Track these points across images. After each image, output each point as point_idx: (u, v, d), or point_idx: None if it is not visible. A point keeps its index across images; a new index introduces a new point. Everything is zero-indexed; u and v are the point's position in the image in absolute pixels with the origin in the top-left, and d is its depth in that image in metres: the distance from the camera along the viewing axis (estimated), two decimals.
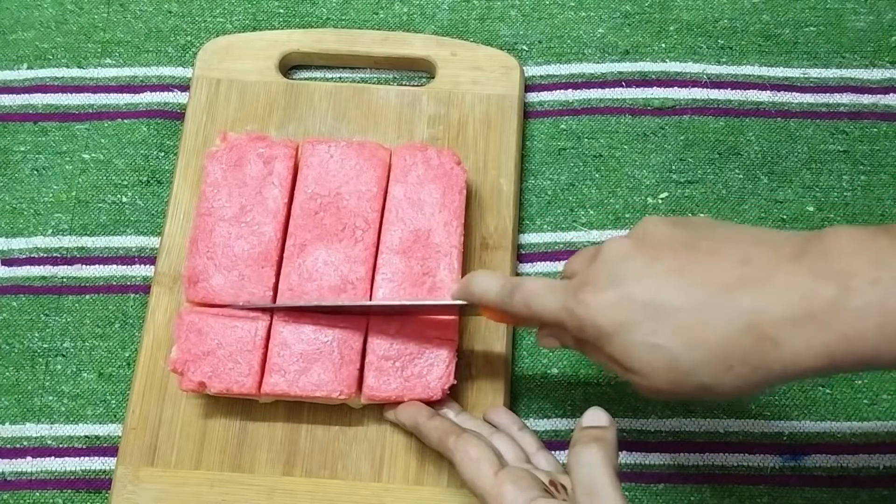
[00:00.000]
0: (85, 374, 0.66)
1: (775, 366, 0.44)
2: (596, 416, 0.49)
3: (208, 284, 0.62)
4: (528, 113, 0.74)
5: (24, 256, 0.69)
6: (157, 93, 0.74)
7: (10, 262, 0.69)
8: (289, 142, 0.66)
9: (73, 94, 0.74)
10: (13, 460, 0.64)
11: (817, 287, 0.43)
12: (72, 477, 0.64)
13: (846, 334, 0.43)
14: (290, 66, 0.75)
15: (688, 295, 0.45)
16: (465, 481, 0.51)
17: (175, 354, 0.61)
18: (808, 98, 0.74)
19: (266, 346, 0.61)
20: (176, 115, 0.73)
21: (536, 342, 0.56)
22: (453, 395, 0.62)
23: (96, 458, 0.64)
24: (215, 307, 0.62)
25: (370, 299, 0.62)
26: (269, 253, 0.63)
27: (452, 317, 0.62)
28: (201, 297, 0.62)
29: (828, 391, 0.66)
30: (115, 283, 0.69)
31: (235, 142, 0.66)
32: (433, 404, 0.61)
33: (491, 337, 0.65)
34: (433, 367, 0.61)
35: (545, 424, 0.65)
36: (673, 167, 0.72)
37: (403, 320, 0.62)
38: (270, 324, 0.62)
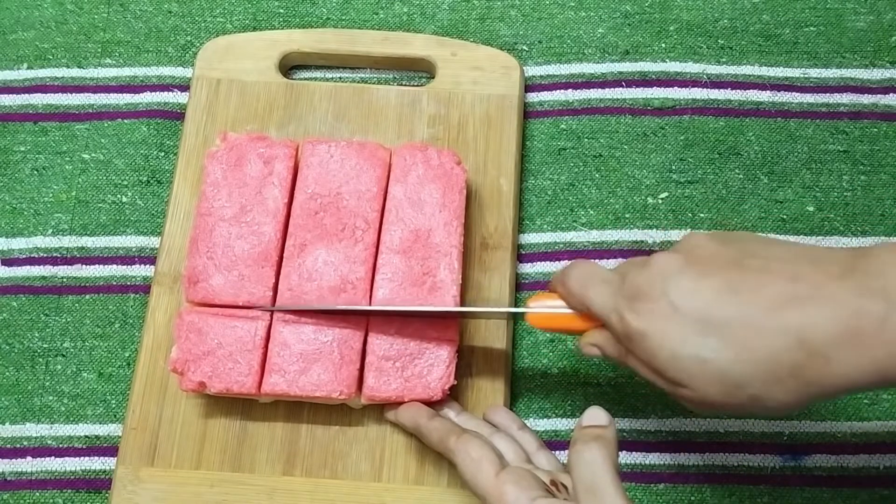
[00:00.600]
0: (85, 374, 0.66)
1: (826, 381, 0.45)
2: (596, 416, 0.49)
3: (208, 284, 0.62)
4: (528, 113, 0.74)
5: (24, 256, 0.69)
6: (157, 93, 0.74)
7: (10, 262, 0.69)
8: (289, 142, 0.66)
9: (73, 94, 0.74)
10: (13, 460, 0.64)
11: (865, 304, 0.45)
12: (72, 477, 0.64)
13: (894, 350, 0.44)
14: (290, 66, 0.75)
15: (737, 311, 0.47)
16: (465, 482, 0.51)
17: (175, 354, 0.61)
18: (808, 98, 0.74)
19: (266, 346, 0.61)
20: (176, 115, 0.73)
21: (579, 349, 0.57)
22: (453, 395, 0.62)
23: (96, 458, 0.64)
24: (215, 307, 0.62)
25: (370, 299, 0.62)
26: (269, 253, 0.63)
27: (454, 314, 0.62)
28: (201, 297, 0.62)
29: None
30: (115, 283, 0.69)
31: (235, 142, 0.66)
32: (434, 405, 0.61)
33: (491, 337, 0.65)
34: (433, 367, 0.61)
35: (545, 424, 0.65)
36: (673, 167, 0.72)
37: (403, 320, 0.61)
38: (270, 324, 0.62)
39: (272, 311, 0.62)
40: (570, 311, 0.56)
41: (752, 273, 0.48)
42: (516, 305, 0.67)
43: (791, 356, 0.45)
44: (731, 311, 0.47)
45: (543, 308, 0.57)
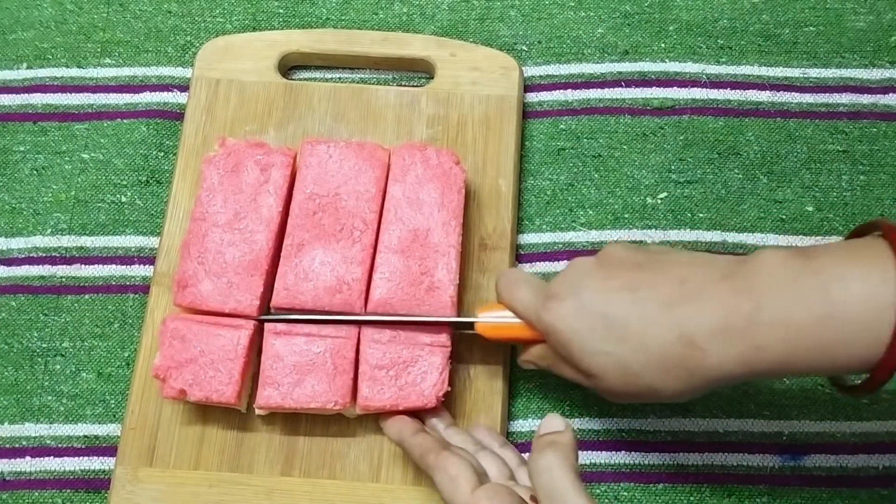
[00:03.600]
0: (84, 374, 0.66)
1: (704, 371, 0.51)
2: (551, 423, 0.50)
3: (196, 290, 0.62)
4: (527, 113, 0.74)
5: (23, 256, 0.69)
6: (157, 93, 0.74)
7: (9, 262, 0.69)
8: (287, 150, 0.66)
9: (73, 94, 0.74)
10: (12, 460, 0.64)
11: (737, 303, 0.50)
12: (71, 477, 0.64)
13: (758, 345, 0.49)
14: (289, 66, 0.75)
15: (634, 308, 0.52)
16: (443, 499, 0.51)
17: (158, 360, 0.61)
18: (808, 98, 0.74)
19: (247, 356, 0.61)
20: (175, 115, 0.73)
21: (517, 362, 0.62)
22: (451, 396, 0.62)
23: (95, 457, 0.64)
24: (201, 314, 0.62)
25: (366, 300, 0.62)
26: (259, 262, 0.63)
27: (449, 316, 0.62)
28: (189, 302, 0.62)
29: (827, 391, 0.66)
30: (114, 283, 0.69)
31: (233, 147, 0.66)
32: (428, 411, 0.61)
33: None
34: (427, 374, 0.61)
35: None
36: (672, 167, 0.72)
37: (396, 328, 0.61)
38: (253, 333, 0.62)
39: (256, 321, 0.62)
40: (514, 319, 0.59)
41: (649, 274, 0.53)
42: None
43: (676, 349, 0.51)
44: (628, 308, 0.52)
45: (491, 318, 0.60)
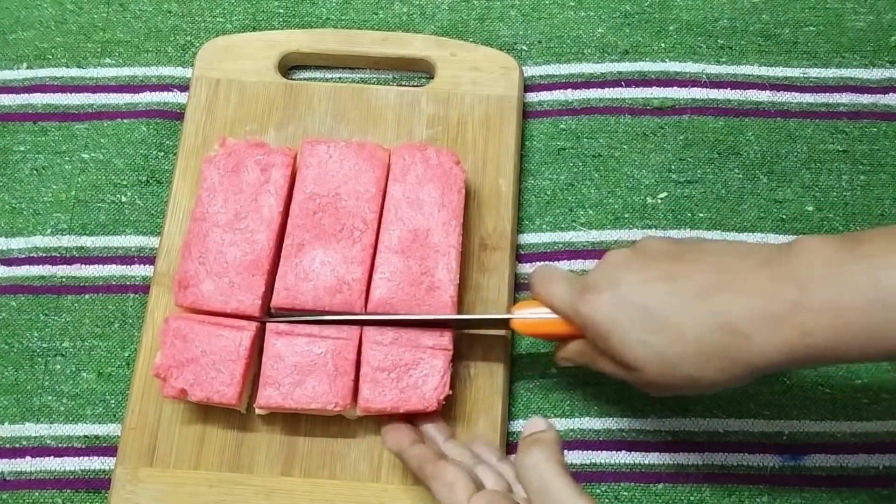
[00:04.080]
0: (84, 374, 0.66)
1: (747, 359, 0.50)
2: (534, 425, 0.51)
3: (198, 290, 0.62)
4: (527, 113, 0.74)
5: (23, 256, 0.69)
6: (157, 93, 0.74)
7: (9, 262, 0.69)
8: (287, 150, 0.66)
9: (73, 94, 0.74)
10: (12, 460, 0.64)
11: (781, 289, 0.50)
12: (71, 477, 0.64)
13: (805, 330, 0.49)
14: (289, 66, 0.75)
15: (671, 298, 0.52)
16: None
17: (159, 360, 0.61)
18: (808, 98, 0.74)
19: (249, 357, 0.61)
20: (175, 115, 0.73)
21: (554, 362, 0.61)
22: (453, 396, 0.62)
23: (95, 457, 0.64)
24: (203, 313, 0.62)
25: (366, 300, 0.62)
26: (261, 261, 0.63)
27: (448, 316, 0.62)
28: (190, 302, 0.62)
29: (827, 391, 0.66)
30: (114, 283, 0.69)
31: (234, 147, 0.66)
32: (426, 416, 0.61)
33: (490, 338, 0.65)
34: (428, 377, 0.61)
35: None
36: (672, 167, 0.72)
37: (398, 329, 0.61)
38: (255, 334, 0.62)
39: (258, 322, 0.62)
40: (551, 315, 0.59)
41: (686, 265, 0.53)
42: (513, 304, 0.67)
43: (717, 337, 0.51)
44: (666, 299, 0.52)
45: (528, 315, 0.60)
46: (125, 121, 0.74)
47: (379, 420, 0.62)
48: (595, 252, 0.69)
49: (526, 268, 0.69)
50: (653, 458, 0.64)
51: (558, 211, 0.71)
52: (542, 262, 0.69)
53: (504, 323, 0.61)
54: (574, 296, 0.56)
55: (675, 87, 0.74)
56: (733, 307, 0.50)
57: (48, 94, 0.74)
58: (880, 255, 0.48)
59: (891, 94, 0.74)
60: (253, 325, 0.61)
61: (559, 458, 0.49)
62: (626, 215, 0.70)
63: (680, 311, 0.52)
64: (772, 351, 0.50)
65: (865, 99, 0.74)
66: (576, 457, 0.64)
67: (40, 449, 0.64)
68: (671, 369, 0.52)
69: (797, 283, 0.49)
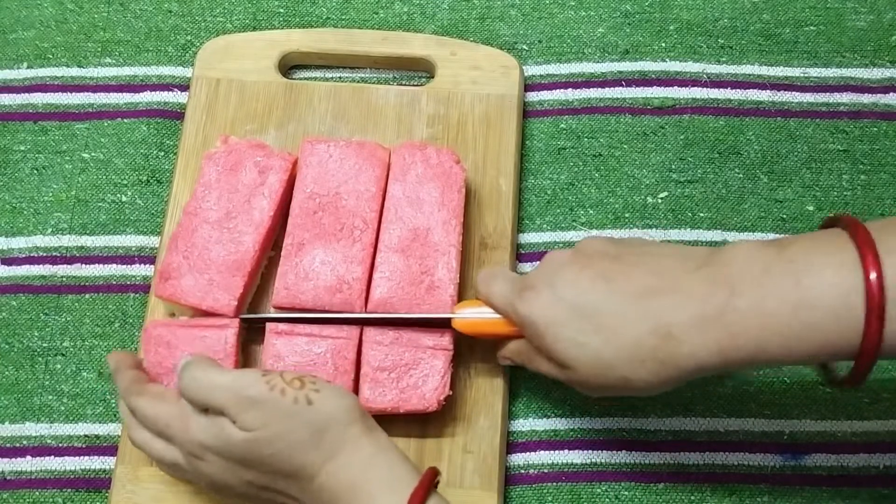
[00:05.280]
0: (84, 374, 0.66)
1: (678, 361, 0.51)
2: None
3: (178, 283, 0.62)
4: (527, 112, 0.74)
5: (23, 256, 0.69)
6: (157, 92, 0.74)
7: (9, 262, 0.69)
8: (287, 155, 0.66)
9: (73, 94, 0.74)
10: (13, 459, 0.64)
11: (712, 292, 0.51)
12: (71, 476, 0.64)
13: (733, 332, 0.50)
14: (289, 65, 0.75)
15: (608, 299, 0.53)
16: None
17: (145, 368, 0.61)
18: (808, 97, 0.74)
19: (237, 353, 0.61)
20: (176, 115, 0.73)
21: (497, 359, 0.62)
22: (453, 396, 0.62)
23: (96, 457, 0.64)
24: (178, 306, 0.62)
25: (366, 299, 0.62)
26: (244, 263, 0.63)
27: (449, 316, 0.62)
28: (169, 294, 0.62)
29: (828, 390, 0.66)
30: (114, 283, 0.69)
31: (235, 146, 0.66)
32: (429, 415, 0.61)
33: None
34: (429, 377, 0.61)
35: (545, 424, 0.65)
36: (673, 166, 0.72)
37: (399, 329, 0.61)
38: (238, 331, 0.61)
39: (240, 320, 0.62)
40: (492, 315, 0.60)
41: (625, 266, 0.54)
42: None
43: (650, 340, 0.51)
44: (602, 299, 0.53)
45: (469, 314, 0.60)
46: (125, 120, 0.74)
47: (378, 420, 0.62)
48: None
49: (526, 267, 0.69)
50: (653, 458, 0.64)
51: (558, 210, 0.71)
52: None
53: (446, 322, 0.61)
54: (513, 295, 0.57)
55: (675, 87, 0.74)
56: (667, 310, 0.51)
57: (48, 94, 0.74)
58: (803, 259, 0.49)
59: (891, 94, 0.74)
60: (235, 322, 0.61)
61: (207, 362, 0.54)
62: (627, 215, 0.70)
63: (616, 313, 0.52)
64: (703, 353, 0.50)
65: (866, 98, 0.74)
66: (576, 457, 0.64)
67: (41, 448, 0.64)
68: (605, 370, 0.53)
69: (728, 285, 0.50)
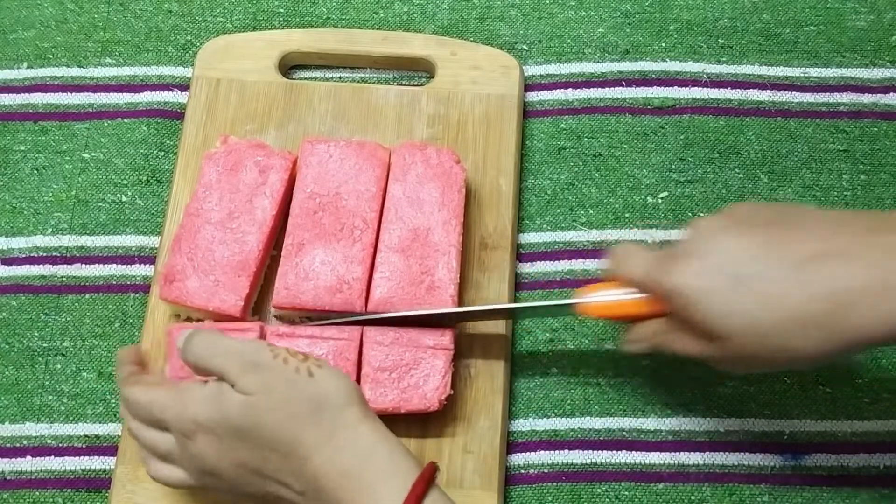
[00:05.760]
0: (85, 374, 0.66)
1: (846, 331, 0.48)
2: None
3: (183, 285, 0.62)
4: (527, 112, 0.74)
5: (23, 256, 0.69)
6: (157, 92, 0.74)
7: (9, 262, 0.69)
8: (287, 154, 0.66)
9: (73, 94, 0.74)
10: (13, 459, 0.64)
11: (887, 261, 0.48)
12: (71, 476, 0.64)
13: None
14: (289, 65, 0.75)
15: (768, 264, 0.50)
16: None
17: (169, 371, 0.61)
18: (809, 97, 0.74)
19: None
20: (176, 115, 0.73)
21: (622, 349, 0.59)
22: (453, 396, 0.62)
23: (96, 457, 0.64)
24: (187, 308, 0.62)
25: (366, 299, 0.62)
26: (248, 263, 0.63)
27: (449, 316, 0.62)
28: (174, 297, 0.62)
29: (828, 390, 0.66)
30: (114, 283, 0.69)
31: (235, 146, 0.66)
32: (430, 415, 0.61)
33: (490, 337, 0.65)
34: (429, 377, 0.61)
35: (545, 424, 0.65)
36: (673, 166, 0.72)
37: (399, 329, 0.61)
38: (260, 336, 0.61)
39: (262, 324, 0.62)
40: (623, 297, 0.57)
41: (786, 230, 0.51)
42: (517, 302, 0.67)
43: (815, 306, 0.48)
44: (762, 264, 0.50)
45: (599, 297, 0.58)
46: (126, 120, 0.74)
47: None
48: (595, 252, 0.69)
49: (526, 267, 0.69)
50: (653, 458, 0.64)
51: (559, 210, 0.71)
52: (543, 261, 0.69)
53: (563, 309, 0.59)
54: (658, 267, 0.54)
55: (675, 87, 0.74)
56: (837, 277, 0.48)
57: (49, 94, 0.74)
58: None
59: (891, 94, 0.74)
60: (256, 326, 0.61)
61: (214, 331, 0.55)
62: (627, 215, 0.70)
63: (777, 278, 0.49)
64: (874, 324, 0.47)
65: (866, 98, 0.74)
66: (576, 457, 0.64)
67: (41, 448, 0.64)
68: (761, 338, 0.50)
69: None
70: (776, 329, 0.49)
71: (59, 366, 0.67)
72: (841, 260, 0.49)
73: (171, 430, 0.54)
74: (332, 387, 0.52)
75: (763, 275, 0.50)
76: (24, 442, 0.65)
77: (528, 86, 0.75)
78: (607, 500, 0.63)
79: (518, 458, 0.64)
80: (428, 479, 0.50)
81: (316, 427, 0.51)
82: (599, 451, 0.64)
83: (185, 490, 0.61)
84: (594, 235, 0.70)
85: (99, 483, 0.64)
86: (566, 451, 0.64)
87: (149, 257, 0.69)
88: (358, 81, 0.75)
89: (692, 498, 0.63)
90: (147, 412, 0.55)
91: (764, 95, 0.74)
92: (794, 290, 0.49)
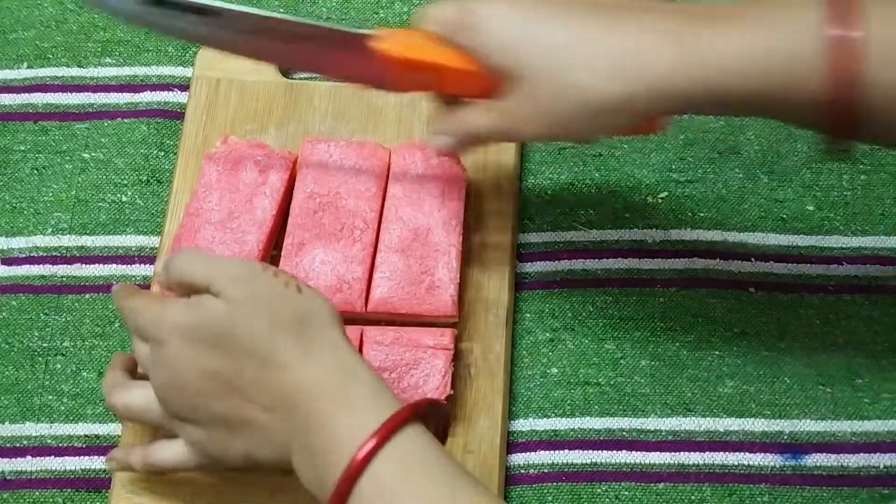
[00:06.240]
0: (85, 374, 0.66)
1: (632, 70, 0.49)
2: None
3: None
4: None
5: (23, 255, 0.69)
6: (157, 92, 0.74)
7: (9, 262, 0.69)
8: (287, 154, 0.66)
9: (73, 94, 0.74)
10: (13, 459, 0.64)
11: (682, 16, 0.50)
12: (71, 476, 0.64)
13: (693, 52, 0.48)
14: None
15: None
16: None
17: None
18: None
19: None
20: (176, 115, 0.73)
21: (430, 143, 0.59)
22: (453, 395, 0.62)
23: (96, 457, 0.64)
24: None
25: (366, 299, 0.62)
26: None
27: (451, 319, 0.62)
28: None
29: (828, 390, 0.66)
30: (114, 283, 0.69)
31: (235, 146, 0.66)
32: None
33: (490, 337, 0.65)
34: (429, 377, 0.61)
35: (545, 424, 0.65)
36: (673, 166, 0.72)
37: (399, 329, 0.61)
38: None
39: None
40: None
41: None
42: (516, 307, 0.67)
43: (612, 43, 0.49)
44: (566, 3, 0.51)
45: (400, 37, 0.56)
46: (125, 120, 0.74)
47: None
48: (596, 251, 0.69)
49: (526, 267, 0.69)
50: (653, 458, 0.64)
51: (558, 210, 0.71)
52: (543, 261, 0.69)
53: (361, 42, 0.55)
54: (460, 8, 0.54)
55: None
56: (625, 21, 0.50)
57: (49, 94, 0.74)
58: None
59: None
60: None
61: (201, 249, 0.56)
62: (627, 215, 0.70)
63: (581, 14, 0.50)
64: (660, 65, 0.48)
65: None
66: (576, 457, 0.64)
67: (41, 448, 0.64)
68: (559, 76, 0.50)
69: (697, 15, 0.50)
70: (574, 62, 0.49)
71: (59, 366, 0.67)
72: (632, 14, 0.50)
73: (148, 337, 0.53)
74: (318, 305, 0.51)
75: (559, 9, 0.51)
76: (24, 442, 0.65)
77: None
78: (607, 500, 0.63)
79: (518, 458, 0.64)
80: (415, 408, 0.49)
81: (298, 338, 0.50)
82: (599, 451, 0.64)
83: (185, 490, 0.61)
84: (594, 235, 0.70)
85: (99, 483, 0.64)
86: (566, 451, 0.64)
87: (149, 257, 0.69)
88: None
89: (692, 498, 0.63)
90: (132, 320, 0.55)
91: None
92: (592, 28, 0.50)
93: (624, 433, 0.65)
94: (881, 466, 0.64)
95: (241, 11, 0.57)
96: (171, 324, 0.52)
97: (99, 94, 0.74)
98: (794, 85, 0.48)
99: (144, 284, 0.68)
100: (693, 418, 0.65)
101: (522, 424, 0.65)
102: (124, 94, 0.74)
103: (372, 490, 0.47)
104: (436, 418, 0.52)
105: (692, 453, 0.64)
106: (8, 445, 0.65)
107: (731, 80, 0.48)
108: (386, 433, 0.47)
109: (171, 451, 0.55)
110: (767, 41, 0.48)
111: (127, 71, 0.75)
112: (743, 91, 0.49)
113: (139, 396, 0.55)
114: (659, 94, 0.49)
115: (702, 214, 0.71)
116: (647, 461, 0.64)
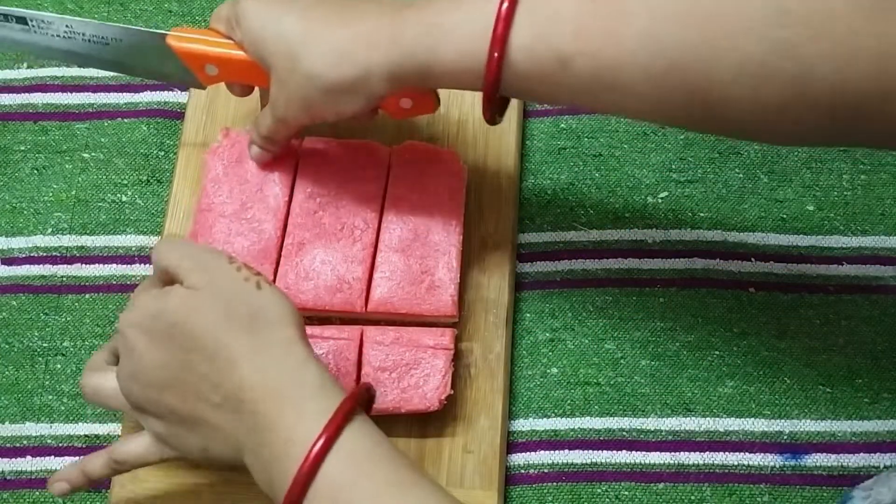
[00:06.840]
0: None
1: (357, 56, 0.54)
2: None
3: None
4: (527, 112, 0.74)
5: (23, 255, 0.69)
6: (157, 92, 0.74)
7: (9, 262, 0.69)
8: (292, 141, 0.66)
9: (73, 94, 0.74)
10: (13, 459, 0.64)
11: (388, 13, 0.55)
12: None
13: (401, 36, 0.54)
14: None
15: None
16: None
17: None
18: None
19: None
20: (176, 115, 0.73)
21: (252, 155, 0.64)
22: (453, 395, 0.62)
23: None
24: None
25: (366, 299, 0.62)
26: (269, 250, 0.63)
27: (451, 319, 0.62)
28: None
29: (828, 390, 0.66)
30: (115, 283, 0.69)
31: (237, 138, 0.66)
32: (430, 415, 0.61)
33: (490, 337, 0.65)
34: (430, 377, 0.61)
35: (545, 424, 0.65)
36: (673, 166, 0.72)
37: (399, 329, 0.61)
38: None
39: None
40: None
41: None
42: (516, 307, 0.67)
43: (339, 37, 0.54)
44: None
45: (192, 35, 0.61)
46: (126, 120, 0.74)
47: (379, 420, 0.62)
48: (596, 251, 0.69)
49: (526, 267, 0.69)
50: (653, 458, 0.64)
51: (558, 210, 0.71)
52: (543, 261, 0.69)
53: (157, 40, 0.61)
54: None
55: None
56: (354, 20, 0.54)
57: (49, 94, 0.74)
58: None
59: None
60: None
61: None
62: (627, 215, 0.70)
63: (310, 10, 0.56)
64: (381, 52, 0.53)
65: None
66: (576, 457, 0.64)
67: (41, 448, 0.64)
68: (294, 60, 0.55)
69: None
70: (302, 48, 0.54)
71: (59, 366, 0.67)
72: (355, 7, 0.55)
73: (119, 327, 0.54)
74: (275, 303, 0.52)
75: (295, 5, 0.56)
76: (24, 442, 0.65)
77: None
78: (607, 500, 0.63)
79: (518, 458, 0.64)
80: (356, 397, 0.49)
81: (249, 335, 0.50)
82: (599, 451, 0.64)
83: (185, 490, 0.61)
84: (594, 235, 0.70)
85: (98, 483, 0.63)
86: (566, 451, 0.64)
87: (149, 257, 0.69)
88: None
89: (692, 498, 0.63)
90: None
91: None
92: (321, 27, 0.55)
93: (624, 433, 0.65)
94: (881, 466, 0.64)
95: (51, 17, 0.62)
96: (135, 314, 0.52)
97: (99, 93, 0.74)
98: (465, 49, 0.52)
99: None
100: (693, 418, 0.65)
101: (522, 424, 0.65)
102: (124, 93, 0.74)
103: (324, 491, 0.47)
104: (369, 397, 0.54)
105: (692, 453, 0.64)
106: (8, 445, 0.65)
107: (420, 54, 0.53)
108: (333, 432, 0.48)
109: (136, 444, 0.55)
110: (450, 18, 0.53)
111: None
112: (430, 61, 0.53)
113: (109, 381, 0.55)
114: (382, 73, 0.54)
115: (702, 214, 0.71)
116: (647, 461, 0.64)
